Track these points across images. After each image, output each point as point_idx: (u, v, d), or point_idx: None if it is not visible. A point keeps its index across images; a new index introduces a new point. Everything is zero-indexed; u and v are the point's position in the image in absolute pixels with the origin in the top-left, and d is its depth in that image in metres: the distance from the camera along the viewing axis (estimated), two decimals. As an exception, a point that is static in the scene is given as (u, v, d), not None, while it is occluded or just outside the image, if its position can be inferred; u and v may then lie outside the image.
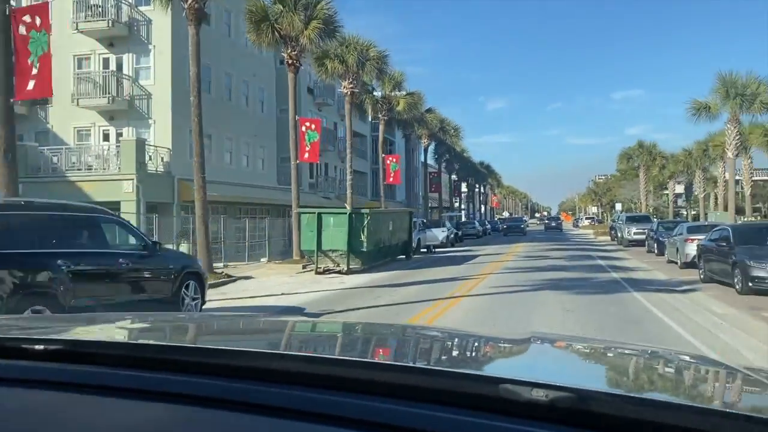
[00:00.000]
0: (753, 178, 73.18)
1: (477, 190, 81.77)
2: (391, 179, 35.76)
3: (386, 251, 22.92)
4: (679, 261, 20.65)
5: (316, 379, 1.09)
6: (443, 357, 1.63)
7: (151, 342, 1.56)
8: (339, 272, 19.85)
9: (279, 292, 14.81)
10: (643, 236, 32.78)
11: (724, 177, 42.19)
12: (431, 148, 53.63)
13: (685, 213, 61.56)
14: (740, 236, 14.40)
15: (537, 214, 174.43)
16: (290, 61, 23.34)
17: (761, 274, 12.89)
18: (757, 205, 68.82)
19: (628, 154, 53.01)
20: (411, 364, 1.29)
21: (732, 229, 14.67)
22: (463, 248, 35.20)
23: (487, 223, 62.02)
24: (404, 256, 25.60)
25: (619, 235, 37.14)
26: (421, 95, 39.05)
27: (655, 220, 38.26)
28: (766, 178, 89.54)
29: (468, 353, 1.68)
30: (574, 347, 1.86)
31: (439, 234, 31.26)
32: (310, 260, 20.83)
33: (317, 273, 19.87)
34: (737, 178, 48.08)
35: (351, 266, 19.89)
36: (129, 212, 25.79)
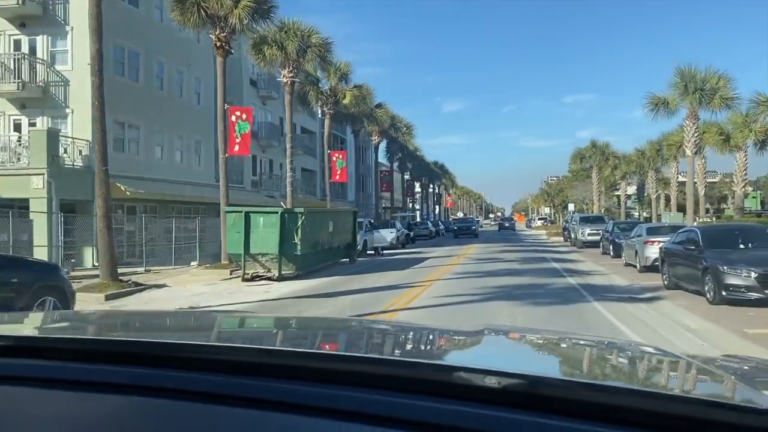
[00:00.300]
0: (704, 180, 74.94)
1: (431, 190, 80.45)
2: (338, 177, 33.68)
3: (326, 254, 20.89)
4: (638, 264, 19.31)
5: (275, 370, 1.16)
6: (404, 348, 1.73)
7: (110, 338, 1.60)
8: (269, 279, 17.73)
9: (187, 305, 12.62)
10: (598, 237, 31.71)
11: (677, 177, 41.73)
12: (383, 146, 51.86)
13: (636, 214, 61.57)
14: (710, 239, 12.95)
15: (491, 215, 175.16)
16: (219, 44, 21.06)
17: (736, 281, 11.42)
18: (707, 206, 69.71)
19: (582, 153, 52.33)
20: (374, 355, 1.42)
21: (701, 232, 13.21)
22: (413, 250, 33.45)
23: (440, 223, 60.55)
24: (348, 260, 23.61)
25: (572, 236, 36.05)
26: (369, 89, 37.12)
27: (609, 220, 37.39)
28: (714, 180, 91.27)
29: (425, 344, 1.78)
30: (527, 338, 2.01)
31: (388, 235, 29.38)
32: (239, 265, 18.61)
33: (244, 280, 17.70)
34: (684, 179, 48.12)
35: (283, 272, 17.79)
36: (39, 211, 23.02)
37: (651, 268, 18.50)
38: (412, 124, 51.06)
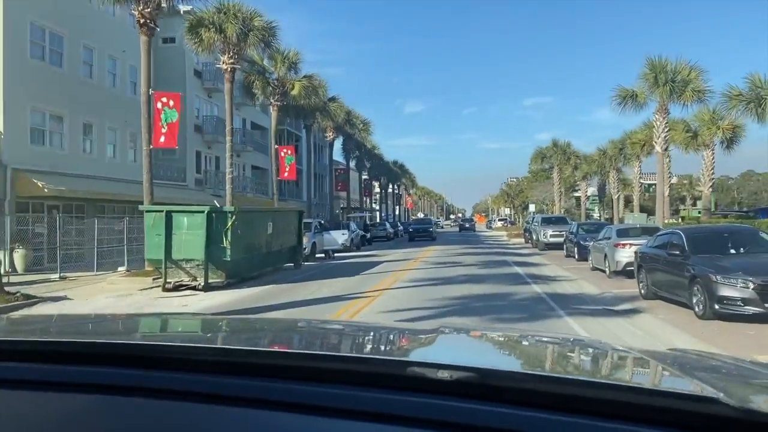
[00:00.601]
0: (649, 182, 74.51)
1: (391, 190, 78.52)
2: (287, 174, 31.33)
3: (265, 259, 18.61)
4: (607, 269, 17.66)
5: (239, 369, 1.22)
6: (364, 346, 1.81)
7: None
8: (194, 288, 15.39)
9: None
10: (561, 239, 30.24)
11: (640, 177, 40.71)
12: (340, 144, 49.71)
13: (596, 215, 60.84)
14: (696, 243, 11.22)
15: (452, 216, 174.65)
16: (142, 20, 18.68)
17: (731, 293, 9.69)
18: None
19: (543, 153, 51.08)
20: (334, 353, 1.52)
21: (685, 234, 11.49)
22: (368, 253, 31.37)
23: (399, 224, 58.60)
24: (293, 265, 21.37)
25: (534, 237, 34.52)
26: (322, 81, 34.78)
27: (572, 221, 36.04)
28: (671, 181, 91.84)
29: (385, 343, 1.89)
30: (480, 335, 2.19)
31: (339, 237, 27.19)
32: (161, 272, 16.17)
33: (165, 290, 15.32)
34: (641, 181, 47.19)
35: (211, 280, 15.48)
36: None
37: (622, 273, 16.91)
38: (369, 121, 48.89)
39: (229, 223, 15.46)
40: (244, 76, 29.56)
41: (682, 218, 42.20)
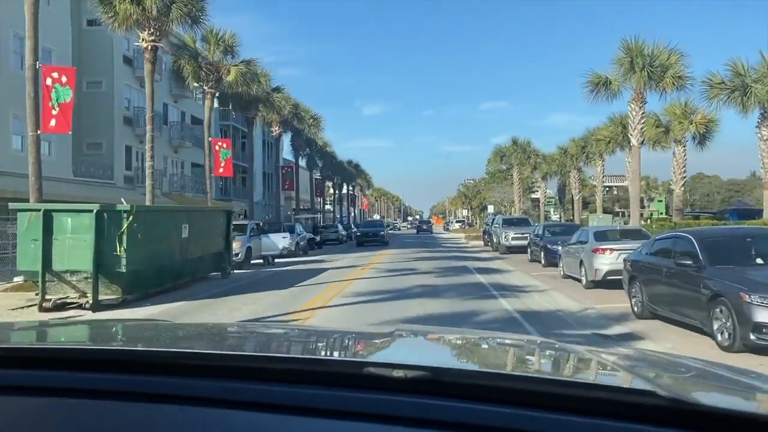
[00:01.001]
0: (606, 184, 73.30)
1: (346, 190, 75.58)
2: (222, 170, 28.09)
3: (180, 269, 15.51)
4: (584, 279, 15.22)
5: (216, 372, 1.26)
6: (322, 349, 1.91)
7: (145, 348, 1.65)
8: (81, 306, 12.23)
9: None
10: (524, 242, 27.95)
11: (603, 176, 38.94)
12: (291, 140, 46.46)
13: (557, 217, 59.23)
14: (712, 251, 8.73)
15: (410, 218, 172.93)
16: (25, -22, 15.25)
17: (772, 319, 7.22)
18: (621, 210, 68.81)
19: (502, 151, 48.97)
20: (298, 356, 1.62)
21: (698, 239, 8.99)
22: (315, 258, 28.43)
23: (353, 226, 55.67)
24: (220, 274, 18.30)
25: (494, 240, 32.16)
26: (265, 71, 31.75)
27: (535, 223, 33.91)
28: (621, 183, 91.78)
29: (342, 345, 1.99)
30: (434, 337, 2.23)
31: (279, 241, 24.12)
32: (44, 287, 12.89)
33: (43, 309, 12.10)
34: (598, 183, 45.54)
35: (103, 296, 12.37)
36: None
37: (601, 284, 14.52)
38: (319, 116, 45.71)
39: (125, 225, 12.34)
40: (173, 60, 26.22)
41: (647, 220, 40.63)
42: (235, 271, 20.37)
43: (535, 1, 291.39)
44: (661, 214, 57.28)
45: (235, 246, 21.16)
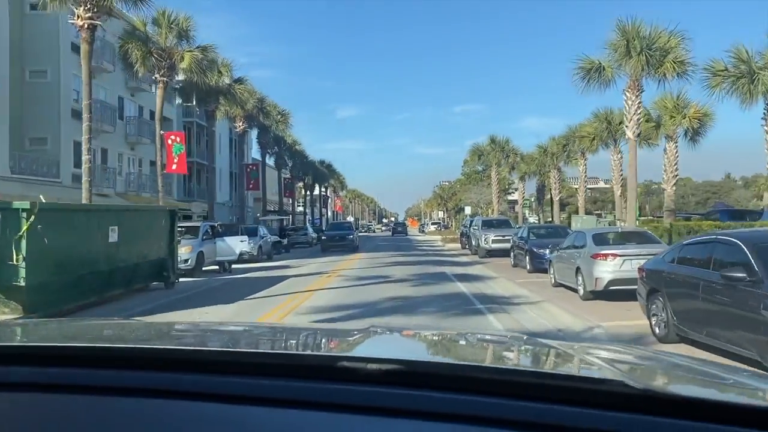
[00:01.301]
0: (588, 186, 72.08)
1: (318, 191, 73.09)
2: (175, 167, 25.53)
3: (107, 280, 13.05)
4: (581, 288, 13.16)
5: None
6: (300, 345, 1.94)
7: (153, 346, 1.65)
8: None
9: None
10: (506, 245, 25.96)
11: (585, 176, 37.25)
12: (254, 136, 43.87)
13: (535, 218, 57.48)
14: (773, 260, 6.66)
15: (385, 220, 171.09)
16: None
17: None
18: (598, 212, 67.53)
19: (480, 150, 47.02)
20: (273, 351, 1.70)
21: (749, 245, 6.93)
22: (278, 263, 26.08)
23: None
24: (163, 284, 15.86)
25: (473, 243, 30.10)
26: (226, 60, 29.34)
27: (516, 225, 32.07)
28: (595, 185, 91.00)
29: (318, 342, 2.03)
30: (407, 334, 2.30)
31: (237, 245, 21.65)
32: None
33: None
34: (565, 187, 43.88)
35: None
36: None
37: (602, 294, 12.51)
38: (287, 111, 43.06)
39: (24, 228, 9.89)
40: (120, 45, 23.62)
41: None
42: (184, 280, 17.95)
43: (509, 6, 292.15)
44: (672, 212, 55.59)
45: (185, 251, 18.74)
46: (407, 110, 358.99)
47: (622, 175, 30.47)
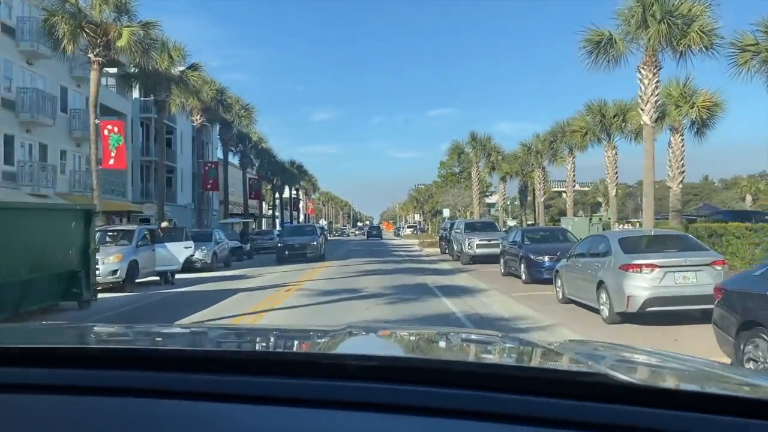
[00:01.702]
0: (555, 189, 69.84)
1: (288, 193, 69.62)
2: (112, 162, 22.11)
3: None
4: (604, 308, 10.28)
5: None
6: (284, 344, 1.98)
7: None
8: None
9: None
10: (493, 250, 23.23)
11: (574, 175, 34.66)
12: (216, 133, 40.38)
13: (519, 221, 54.90)
14: None
15: (359, 223, 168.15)
16: None
17: None
18: (578, 214, 65.38)
19: (460, 148, 44.18)
20: (256, 349, 1.74)
21: None
22: (234, 273, 22.88)
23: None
24: (76, 303, 12.56)
25: (455, 248, 27.20)
26: (180, 47, 25.94)
27: (514, 227, 29.31)
28: (577, 188, 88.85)
29: (298, 341, 2.03)
30: (384, 333, 2.39)
31: (181, 252, 18.26)
32: None
33: None
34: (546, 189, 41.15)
35: None
36: None
37: (634, 316, 9.68)
38: (251, 106, 39.37)
39: None
40: (44, 18, 20.15)
41: (631, 223, 36.44)
42: (111, 296, 14.69)
43: (484, 11, 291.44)
44: (679, 213, 53.19)
45: (113, 260, 15.48)
46: (382, 114, 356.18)
47: (616, 172, 27.90)
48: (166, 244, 17.89)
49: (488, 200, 70.81)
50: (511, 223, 56.97)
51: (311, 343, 1.94)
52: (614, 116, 26.95)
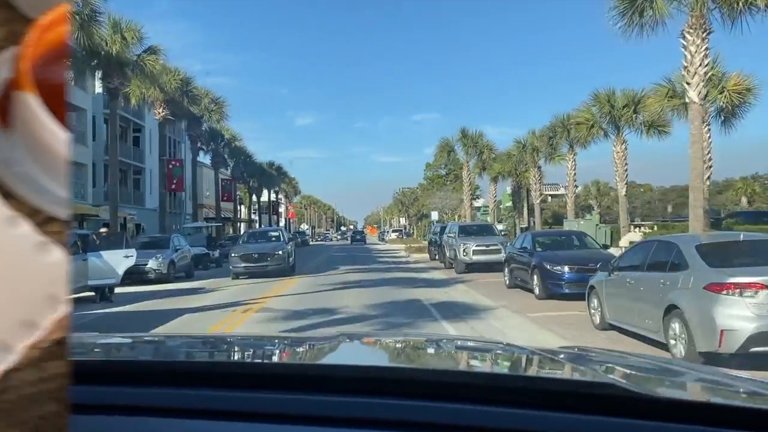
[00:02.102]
0: (547, 193, 67.13)
1: (267, 197, 66.31)
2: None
3: None
4: (680, 344, 7.30)
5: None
6: (273, 355, 1.87)
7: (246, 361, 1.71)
8: None
9: None
10: (492, 257, 20.41)
11: (574, 172, 31.85)
12: (184, 129, 37.02)
13: (502, 227, 52.06)
14: None
15: (343, 227, 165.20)
16: None
17: None
18: (567, 218, 62.92)
19: (450, 145, 41.23)
20: (247, 361, 1.68)
21: None
22: (192, 285, 19.76)
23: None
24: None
25: (448, 254, 24.20)
26: (135, 27, 22.78)
27: (500, 232, 26.41)
28: (556, 192, 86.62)
29: (292, 350, 1.96)
30: (374, 341, 2.30)
31: (120, 262, 14.86)
32: None
33: None
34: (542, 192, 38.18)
35: None
36: None
37: (738, 357, 6.68)
38: (222, 99, 35.86)
39: None
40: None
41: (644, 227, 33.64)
42: None
43: (467, 13, 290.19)
44: (707, 213, 50.36)
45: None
46: (365, 119, 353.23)
47: (626, 169, 25.12)
48: (102, 252, 14.61)
49: (475, 203, 68.23)
50: (500, 227, 54.20)
51: (303, 354, 1.89)
52: (624, 107, 24.16)
